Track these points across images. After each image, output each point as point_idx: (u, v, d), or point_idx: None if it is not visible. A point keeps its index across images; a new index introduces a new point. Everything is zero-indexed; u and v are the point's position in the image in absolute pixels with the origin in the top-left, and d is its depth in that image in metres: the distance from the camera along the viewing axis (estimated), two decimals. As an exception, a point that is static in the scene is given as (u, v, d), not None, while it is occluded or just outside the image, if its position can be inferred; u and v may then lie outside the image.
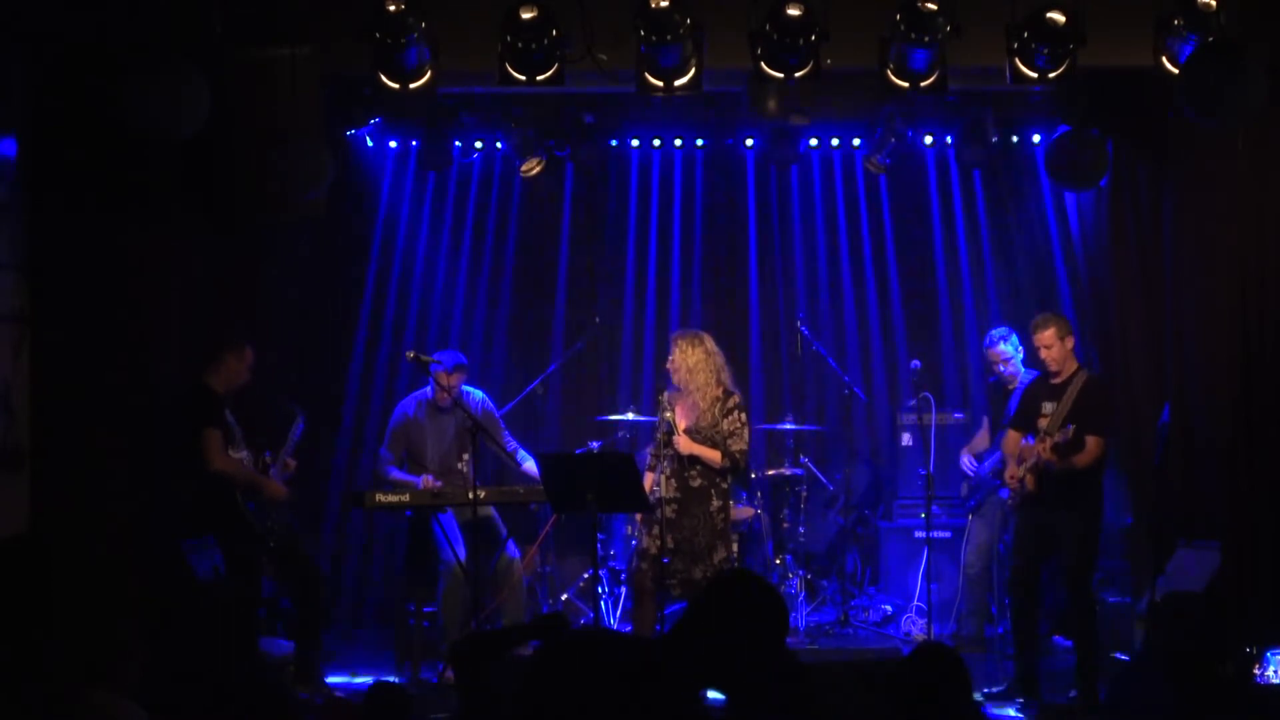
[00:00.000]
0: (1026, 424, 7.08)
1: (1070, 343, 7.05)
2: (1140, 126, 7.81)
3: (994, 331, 8.12)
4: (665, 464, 6.89)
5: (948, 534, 8.41)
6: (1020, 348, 7.98)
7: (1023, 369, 7.97)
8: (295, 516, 7.43)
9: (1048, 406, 6.99)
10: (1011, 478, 7.05)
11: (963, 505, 8.24)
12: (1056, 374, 7.04)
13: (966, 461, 8.21)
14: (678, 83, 6.29)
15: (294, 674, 6.97)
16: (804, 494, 8.58)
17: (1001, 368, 8.00)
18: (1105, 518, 7.12)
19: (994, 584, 8.19)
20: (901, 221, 9.38)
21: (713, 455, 6.89)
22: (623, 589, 8.20)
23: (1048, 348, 7.03)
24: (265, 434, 7.24)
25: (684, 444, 6.88)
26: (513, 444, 7.86)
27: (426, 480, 7.52)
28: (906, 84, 6.30)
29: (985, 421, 8.27)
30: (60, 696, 3.26)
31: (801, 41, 6.05)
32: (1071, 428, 6.77)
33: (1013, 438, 7.13)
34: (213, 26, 6.24)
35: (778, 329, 9.35)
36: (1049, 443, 6.82)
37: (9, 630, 3.30)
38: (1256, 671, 6.41)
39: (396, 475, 7.67)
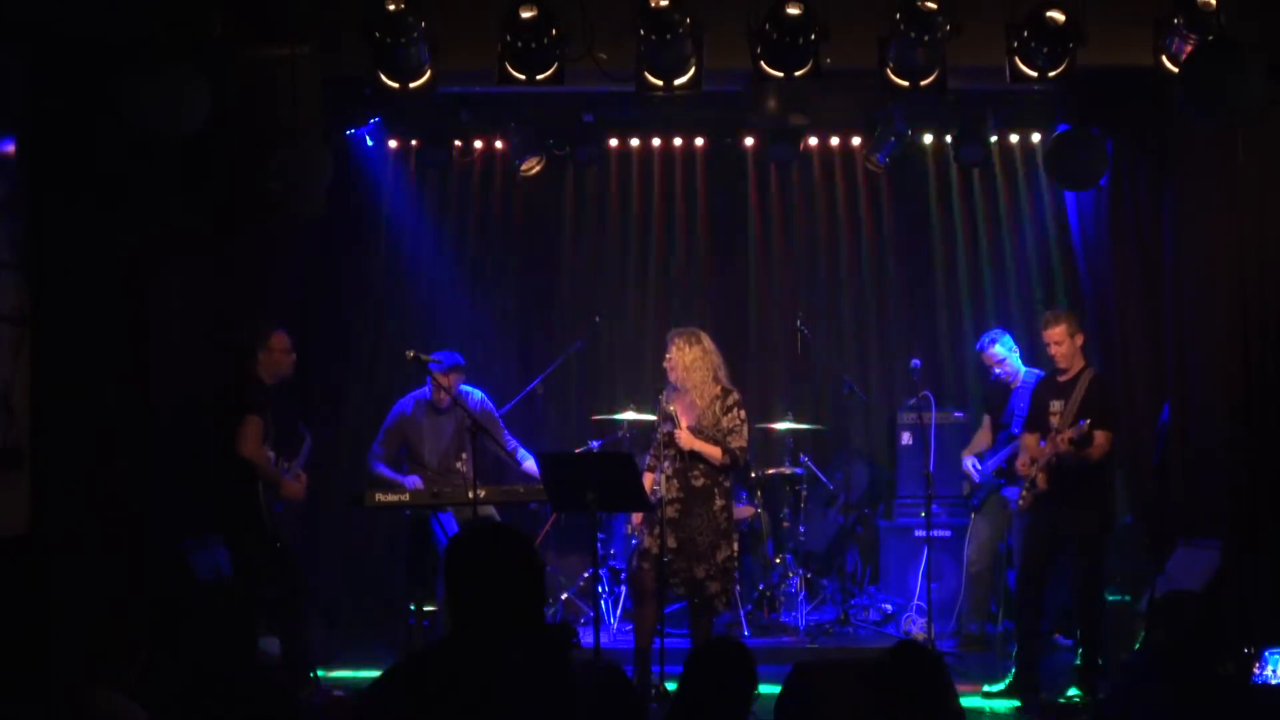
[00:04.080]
0: (1038, 425, 7.10)
1: (1080, 340, 7.09)
2: (1140, 126, 7.81)
3: (985, 336, 8.22)
4: (667, 463, 6.88)
5: (948, 533, 8.43)
6: (1015, 347, 8.04)
7: (1022, 366, 8.01)
8: (296, 520, 7.43)
9: (1055, 405, 7.01)
10: (1023, 466, 7.09)
11: (965, 504, 8.25)
12: (1064, 371, 7.06)
13: (970, 463, 8.21)
14: (678, 82, 6.29)
15: (287, 673, 6.96)
16: (804, 493, 8.59)
17: (998, 369, 8.05)
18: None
19: (996, 582, 8.20)
20: (901, 221, 9.38)
21: (714, 451, 6.87)
22: (623, 588, 8.20)
23: (1057, 344, 7.05)
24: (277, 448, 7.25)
25: (685, 438, 6.84)
26: (513, 443, 7.87)
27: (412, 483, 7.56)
28: (906, 83, 6.30)
29: (986, 420, 8.29)
30: (60, 696, 3.26)
31: (801, 41, 6.05)
32: (1085, 423, 6.78)
33: (1029, 440, 7.14)
34: (213, 26, 6.23)
35: (778, 329, 9.35)
36: (1065, 437, 6.82)
37: (9, 630, 3.29)
38: (1256, 671, 6.40)
39: (382, 471, 7.70)
